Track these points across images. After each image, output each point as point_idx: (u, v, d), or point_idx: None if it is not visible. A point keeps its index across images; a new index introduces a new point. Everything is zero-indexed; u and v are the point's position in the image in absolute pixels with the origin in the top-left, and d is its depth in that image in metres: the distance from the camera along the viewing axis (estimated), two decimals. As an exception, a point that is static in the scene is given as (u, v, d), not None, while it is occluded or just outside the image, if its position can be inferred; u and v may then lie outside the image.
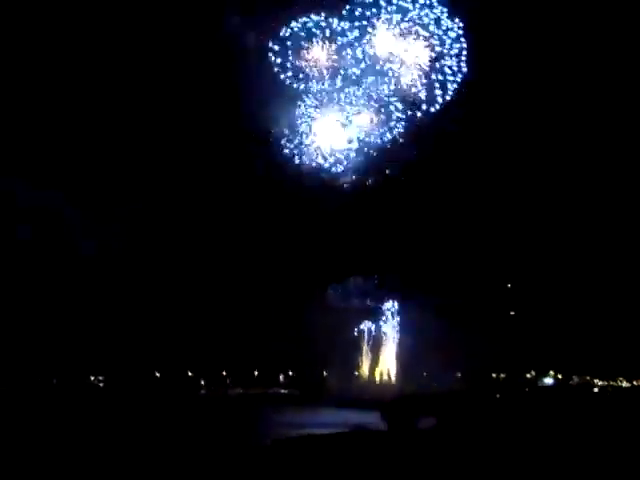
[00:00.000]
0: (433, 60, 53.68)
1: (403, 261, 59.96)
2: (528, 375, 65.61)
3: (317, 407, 57.03)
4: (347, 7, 52.94)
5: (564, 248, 60.07)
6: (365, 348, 65.23)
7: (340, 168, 55.82)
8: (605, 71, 56.69)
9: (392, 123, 55.16)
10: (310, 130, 55.56)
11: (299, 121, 55.55)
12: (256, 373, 67.02)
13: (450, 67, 53.96)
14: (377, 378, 65.59)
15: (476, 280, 60.39)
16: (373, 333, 65.33)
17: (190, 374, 66.35)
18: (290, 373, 67.44)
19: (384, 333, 65.22)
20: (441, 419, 45.41)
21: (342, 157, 55.68)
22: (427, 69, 54.00)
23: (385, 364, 65.60)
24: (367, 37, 53.56)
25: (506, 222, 59.60)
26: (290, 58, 54.27)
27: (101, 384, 64.93)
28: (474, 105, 55.40)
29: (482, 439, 36.71)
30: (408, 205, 58.34)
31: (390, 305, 65.04)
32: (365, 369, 65.61)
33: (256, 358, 64.94)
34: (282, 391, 66.46)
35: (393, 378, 65.06)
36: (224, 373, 66.98)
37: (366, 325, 64.99)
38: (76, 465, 32.70)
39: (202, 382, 66.82)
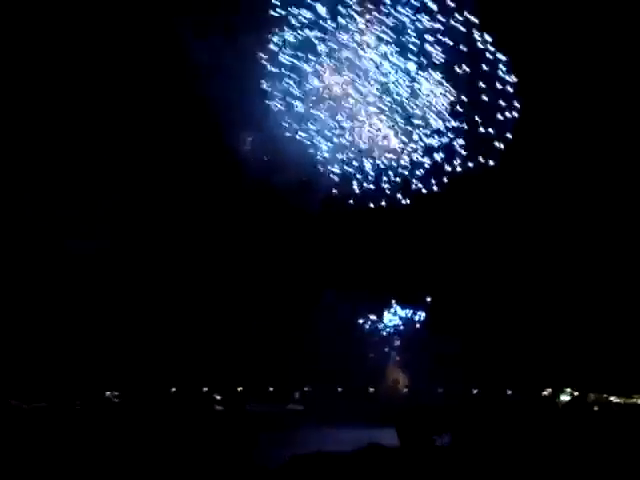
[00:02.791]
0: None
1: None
2: (545, 393, 65.36)
3: (331, 424, 56.96)
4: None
5: (583, 259, 60.05)
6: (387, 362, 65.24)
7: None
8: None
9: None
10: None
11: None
12: (271, 389, 67.03)
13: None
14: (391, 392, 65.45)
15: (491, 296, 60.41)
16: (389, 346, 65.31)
17: (205, 389, 66.40)
18: (305, 389, 67.43)
19: (399, 346, 65.19)
20: (456, 436, 45.23)
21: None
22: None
23: (399, 380, 65.50)
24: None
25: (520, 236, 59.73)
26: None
27: (116, 399, 65.09)
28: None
29: (499, 455, 36.58)
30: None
31: (400, 316, 64.94)
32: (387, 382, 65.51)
33: (272, 374, 65.02)
34: (298, 408, 66.48)
35: (404, 390, 64.91)
36: (240, 389, 67.00)
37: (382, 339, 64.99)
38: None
39: (217, 397, 66.84)
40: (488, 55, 52.85)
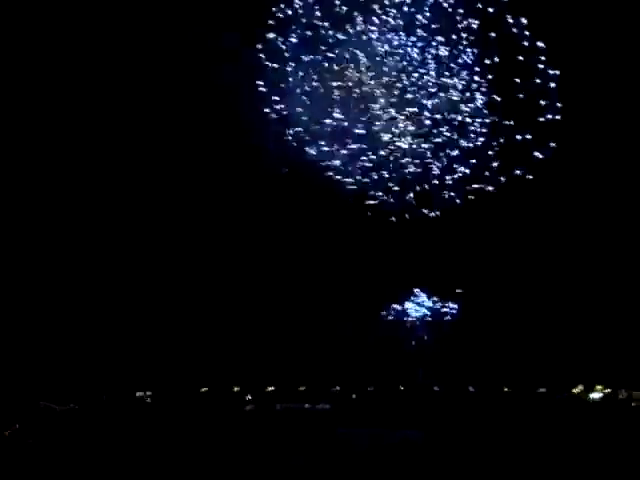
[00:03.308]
0: None
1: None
2: (575, 390, 64.72)
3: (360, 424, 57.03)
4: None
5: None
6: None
7: None
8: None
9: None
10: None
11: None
12: (303, 388, 67.09)
13: None
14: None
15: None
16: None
17: (236, 389, 66.67)
18: (337, 388, 67.37)
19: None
20: (487, 434, 45.17)
21: None
22: None
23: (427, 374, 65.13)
24: None
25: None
26: None
27: (148, 399, 65.60)
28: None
29: (530, 454, 36.49)
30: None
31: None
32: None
33: (303, 373, 65.12)
34: (327, 406, 66.42)
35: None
36: (271, 388, 67.17)
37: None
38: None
39: (248, 397, 67.06)
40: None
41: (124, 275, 61.46)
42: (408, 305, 62.98)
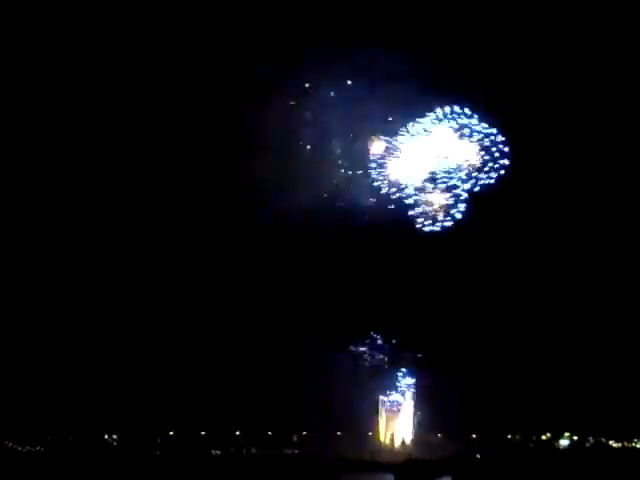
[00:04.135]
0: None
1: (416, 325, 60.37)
2: (543, 437, 65.17)
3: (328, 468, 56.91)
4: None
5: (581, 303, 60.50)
6: (380, 410, 65.07)
7: None
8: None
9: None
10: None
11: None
12: (270, 433, 66.74)
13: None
14: (389, 441, 65.21)
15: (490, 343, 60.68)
16: (388, 396, 65.21)
17: (203, 433, 66.10)
18: (304, 433, 67.12)
19: (398, 396, 65.08)
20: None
21: None
22: None
23: (399, 427, 65.28)
24: None
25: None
26: None
27: (115, 443, 64.75)
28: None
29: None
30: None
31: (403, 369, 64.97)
32: (380, 431, 65.33)
33: (269, 418, 64.78)
34: (296, 451, 66.12)
35: (407, 441, 64.65)
36: (238, 433, 66.72)
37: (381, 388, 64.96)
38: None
39: (215, 441, 66.53)
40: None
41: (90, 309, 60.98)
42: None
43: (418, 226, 55.62)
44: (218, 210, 58.64)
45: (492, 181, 55.03)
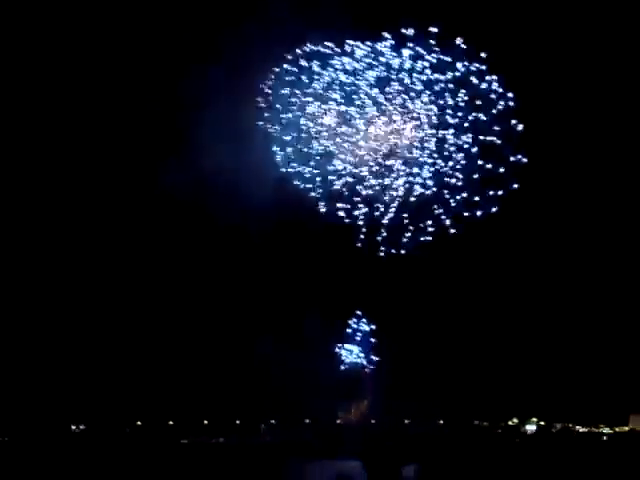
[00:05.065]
0: None
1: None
2: (510, 422, 65.56)
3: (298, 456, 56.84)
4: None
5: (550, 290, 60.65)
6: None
7: None
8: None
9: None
10: None
11: None
12: (238, 422, 66.59)
13: None
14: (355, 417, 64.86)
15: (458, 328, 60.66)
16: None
17: (171, 423, 65.85)
18: (272, 422, 66.99)
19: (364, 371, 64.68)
20: (423, 467, 45.33)
21: None
22: None
23: (365, 407, 65.00)
24: None
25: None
26: None
27: (81, 433, 64.42)
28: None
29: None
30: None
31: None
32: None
33: (236, 407, 64.61)
34: (267, 439, 66.00)
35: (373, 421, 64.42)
36: (205, 422, 66.50)
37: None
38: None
39: (183, 431, 66.31)
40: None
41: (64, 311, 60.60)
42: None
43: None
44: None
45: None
